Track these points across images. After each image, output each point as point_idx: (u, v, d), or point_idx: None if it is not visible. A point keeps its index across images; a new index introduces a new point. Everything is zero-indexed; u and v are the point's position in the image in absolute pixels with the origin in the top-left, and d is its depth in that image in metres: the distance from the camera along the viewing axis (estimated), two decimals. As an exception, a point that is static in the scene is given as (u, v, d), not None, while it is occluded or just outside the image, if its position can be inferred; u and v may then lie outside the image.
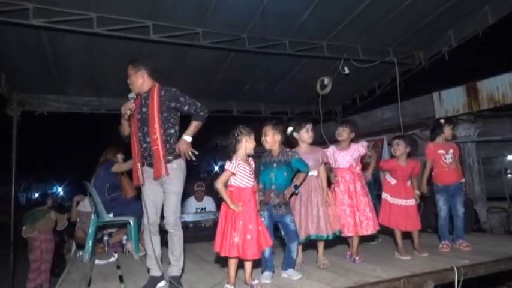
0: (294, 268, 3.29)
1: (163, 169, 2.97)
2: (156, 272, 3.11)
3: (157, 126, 3.00)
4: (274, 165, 3.30)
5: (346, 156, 3.86)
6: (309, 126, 3.68)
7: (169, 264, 3.10)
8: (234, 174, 2.94)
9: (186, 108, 3.09)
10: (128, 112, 3.05)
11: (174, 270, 3.07)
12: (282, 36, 5.62)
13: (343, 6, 5.17)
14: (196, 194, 6.38)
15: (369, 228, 3.70)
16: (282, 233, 3.34)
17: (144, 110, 3.09)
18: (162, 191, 3.09)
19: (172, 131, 3.11)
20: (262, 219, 3.18)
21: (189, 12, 4.89)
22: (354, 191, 3.76)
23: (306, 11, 5.13)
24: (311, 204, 3.52)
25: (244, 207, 2.90)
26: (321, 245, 3.66)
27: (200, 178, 8.49)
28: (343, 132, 3.91)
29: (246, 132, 3.00)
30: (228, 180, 2.96)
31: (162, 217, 3.13)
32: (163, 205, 3.11)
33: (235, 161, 2.94)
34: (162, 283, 3.09)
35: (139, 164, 3.09)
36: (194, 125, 3.12)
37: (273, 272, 3.23)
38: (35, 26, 4.46)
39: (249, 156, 3.07)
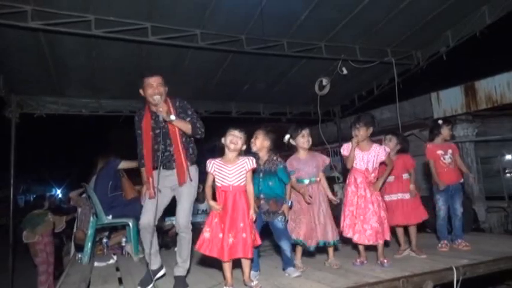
0: (293, 266, 3.33)
1: (186, 175, 3.09)
2: (153, 265, 3.19)
3: (179, 136, 3.09)
4: (261, 174, 3.35)
5: (364, 157, 3.60)
6: (304, 131, 3.60)
7: (176, 264, 3.14)
8: (213, 175, 3.01)
9: (188, 119, 3.17)
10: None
11: (180, 271, 3.12)
12: (281, 37, 5.63)
13: (341, 7, 5.17)
14: (198, 196, 6.39)
15: (371, 238, 3.45)
16: (273, 232, 3.39)
17: (161, 124, 3.09)
18: (171, 195, 3.19)
19: (189, 139, 3.23)
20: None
21: (187, 14, 4.89)
22: (363, 197, 3.55)
23: (304, 12, 5.13)
24: (316, 212, 3.51)
25: (225, 207, 2.93)
26: (330, 249, 3.65)
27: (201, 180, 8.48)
28: (360, 132, 3.54)
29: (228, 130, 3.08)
30: (212, 181, 3.03)
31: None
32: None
33: (211, 162, 3.02)
34: (162, 272, 3.22)
35: (159, 168, 3.07)
36: (185, 124, 3.12)
37: (258, 271, 3.33)
38: (34, 28, 4.46)
39: (249, 154, 3.18)
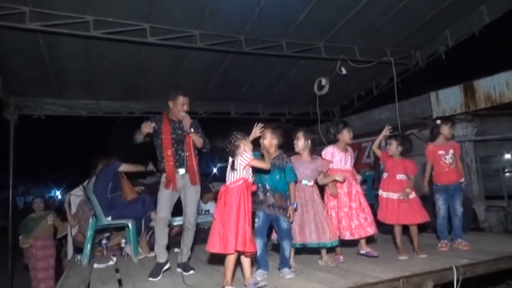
0: (288, 267, 3.33)
1: (197, 177, 3.70)
2: (161, 259, 3.56)
3: (192, 145, 3.70)
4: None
5: (347, 157, 3.91)
6: (299, 134, 3.66)
7: (181, 253, 3.66)
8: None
9: (199, 135, 3.78)
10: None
11: (185, 258, 3.70)
12: (279, 37, 5.63)
13: (340, 7, 5.18)
14: (206, 197, 6.37)
15: (372, 229, 3.76)
16: (276, 231, 3.41)
17: (179, 132, 3.70)
18: (178, 195, 3.71)
19: (197, 151, 3.80)
20: (257, 219, 3.27)
21: (186, 15, 4.89)
22: (356, 193, 3.83)
23: (303, 12, 5.14)
24: (307, 213, 3.53)
25: (248, 201, 2.94)
26: (323, 249, 3.68)
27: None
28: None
29: (242, 137, 3.11)
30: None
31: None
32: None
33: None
34: (167, 266, 3.62)
35: (179, 170, 3.66)
36: (199, 138, 3.69)
37: (267, 270, 3.30)
38: (32, 29, 4.45)
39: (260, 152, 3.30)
